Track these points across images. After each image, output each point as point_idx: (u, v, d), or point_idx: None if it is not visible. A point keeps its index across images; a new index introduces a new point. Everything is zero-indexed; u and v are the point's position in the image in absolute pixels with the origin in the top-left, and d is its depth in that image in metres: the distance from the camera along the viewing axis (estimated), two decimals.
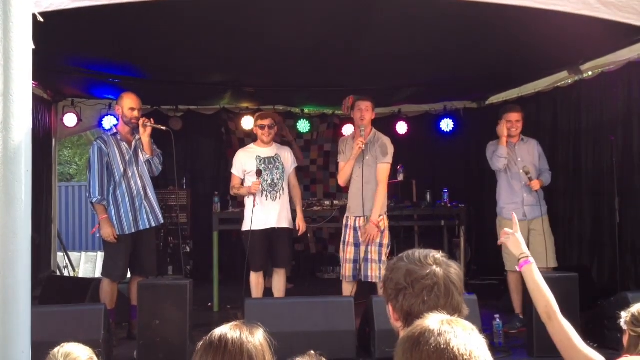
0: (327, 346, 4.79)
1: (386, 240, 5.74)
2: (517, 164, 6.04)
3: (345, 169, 5.82)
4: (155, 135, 5.92)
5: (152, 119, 5.77)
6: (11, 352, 1.79)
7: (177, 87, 7.88)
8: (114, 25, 4.98)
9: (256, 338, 1.85)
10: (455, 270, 1.96)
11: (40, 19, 2.54)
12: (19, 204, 1.83)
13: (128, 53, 6.10)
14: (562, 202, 7.18)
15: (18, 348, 1.81)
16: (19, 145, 1.82)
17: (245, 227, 5.94)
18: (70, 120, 8.27)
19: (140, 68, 6.93)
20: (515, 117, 6.07)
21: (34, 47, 1.90)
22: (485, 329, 5.12)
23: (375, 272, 5.64)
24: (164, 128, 5.81)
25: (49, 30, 2.86)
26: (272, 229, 5.90)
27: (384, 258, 5.66)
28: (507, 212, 5.94)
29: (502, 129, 6.05)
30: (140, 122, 5.62)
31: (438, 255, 1.99)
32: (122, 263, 5.63)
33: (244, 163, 5.98)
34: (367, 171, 5.72)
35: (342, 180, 5.94)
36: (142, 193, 5.65)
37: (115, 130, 5.73)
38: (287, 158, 6.11)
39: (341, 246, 5.86)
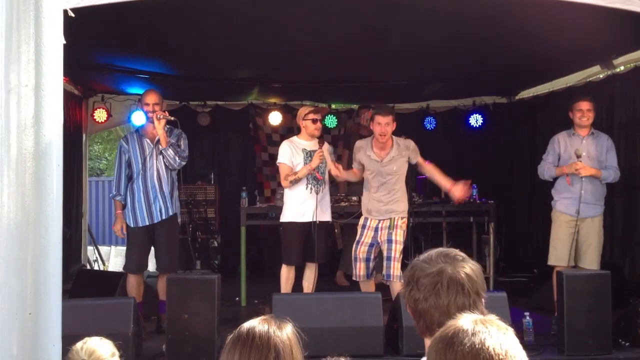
0: (354, 342, 4.84)
1: (404, 239, 5.77)
2: (582, 159, 5.64)
3: (350, 178, 6.19)
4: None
5: (166, 112, 5.83)
6: (43, 345, 1.81)
7: (205, 83, 7.92)
8: (143, 22, 5.02)
9: (284, 332, 1.85)
10: (467, 270, 1.91)
11: (72, 14, 2.56)
12: (50, 198, 1.85)
13: (157, 49, 6.14)
14: None
15: (49, 341, 1.83)
16: (50, 140, 1.83)
17: (284, 218, 5.94)
18: (100, 115, 8.37)
19: (168, 64, 6.98)
20: (586, 105, 5.70)
21: (64, 42, 1.91)
22: (515, 327, 5.06)
23: (397, 272, 5.59)
24: (172, 118, 5.83)
25: (79, 26, 2.89)
26: (312, 223, 5.84)
27: (400, 256, 5.67)
28: (562, 205, 5.78)
29: (568, 169, 5.65)
30: (155, 115, 5.70)
31: (454, 253, 1.95)
32: (136, 256, 5.74)
33: (292, 155, 5.94)
34: (398, 180, 5.78)
35: (339, 178, 6.24)
36: (157, 186, 5.73)
37: (139, 127, 5.94)
38: (329, 150, 6.17)
39: (354, 246, 5.82)
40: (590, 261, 5.69)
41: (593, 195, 5.70)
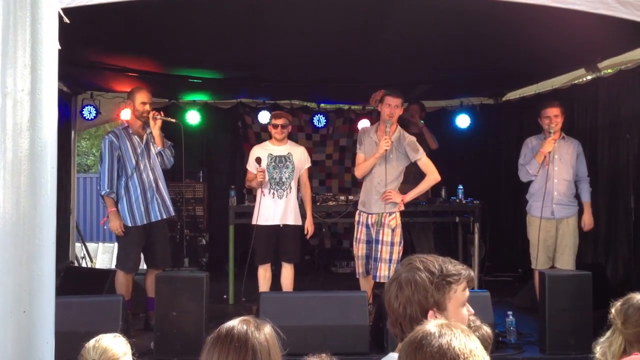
0: (340, 340, 4.90)
1: (397, 239, 5.72)
2: (554, 162, 5.84)
3: (366, 165, 5.78)
4: (169, 129, 6.01)
5: (162, 112, 5.90)
6: (37, 343, 1.85)
7: (194, 81, 7.94)
8: (133, 20, 5.04)
9: (262, 334, 1.89)
10: (416, 275, 2.01)
11: (67, 20, 2.60)
12: (44, 199, 1.89)
13: (146, 47, 6.17)
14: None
15: (43, 338, 1.87)
16: (45, 143, 1.87)
17: (254, 221, 6.06)
18: (89, 112, 8.38)
19: (157, 62, 7.00)
20: (553, 112, 5.82)
21: (60, 47, 1.96)
22: (498, 326, 5.15)
23: (384, 272, 5.60)
24: (173, 120, 5.93)
25: (69, 24, 2.92)
26: (277, 226, 5.98)
27: (394, 257, 5.64)
28: (535, 210, 5.91)
29: (547, 146, 5.75)
30: (151, 115, 5.73)
31: (417, 259, 2.05)
32: (134, 255, 5.75)
33: (259, 159, 6.04)
34: (390, 170, 5.70)
35: (359, 173, 5.92)
36: (154, 185, 5.73)
37: (126, 124, 5.81)
38: (300, 157, 6.14)
39: (354, 243, 5.92)
40: (567, 262, 5.82)
41: (565, 196, 5.85)
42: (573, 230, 5.87)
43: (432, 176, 5.80)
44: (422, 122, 7.88)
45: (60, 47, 1.96)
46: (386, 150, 5.61)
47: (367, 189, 5.83)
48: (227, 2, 4.80)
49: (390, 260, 5.63)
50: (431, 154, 8.12)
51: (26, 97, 1.84)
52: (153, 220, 5.73)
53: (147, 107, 5.76)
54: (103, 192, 5.66)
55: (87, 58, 6.72)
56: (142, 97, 5.76)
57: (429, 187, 6.00)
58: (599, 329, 4.96)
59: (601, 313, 5.18)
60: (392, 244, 5.67)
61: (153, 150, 5.81)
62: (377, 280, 5.69)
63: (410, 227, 7.52)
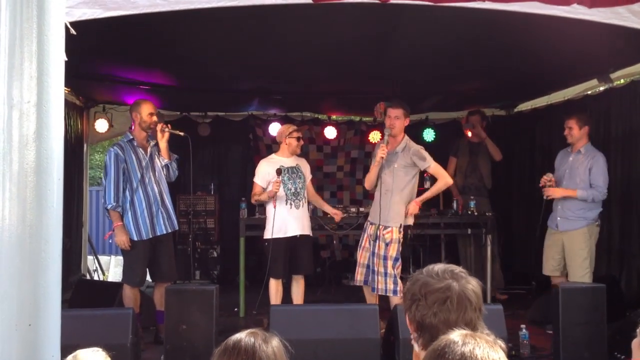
0: (351, 354, 4.86)
1: (392, 253, 5.69)
2: (564, 176, 5.96)
3: (370, 174, 5.94)
4: (177, 141, 6.01)
5: (169, 125, 5.86)
6: (42, 356, 1.83)
7: (205, 94, 7.97)
8: (144, 34, 5.07)
9: (269, 346, 1.87)
10: (472, 286, 1.97)
11: (73, 31, 2.61)
12: (50, 211, 1.88)
13: (158, 61, 6.20)
14: None
15: (49, 352, 1.85)
16: (51, 155, 1.87)
17: (268, 234, 6.00)
18: (101, 125, 8.42)
19: (169, 75, 7.03)
20: (567, 124, 5.96)
21: (66, 59, 1.95)
22: (511, 339, 5.09)
23: (381, 285, 5.69)
24: (181, 134, 5.84)
25: (81, 38, 2.93)
26: (295, 237, 5.98)
27: (389, 270, 5.66)
28: (549, 220, 6.12)
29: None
30: (159, 127, 5.67)
31: (457, 270, 2.00)
32: (140, 270, 5.67)
33: (269, 173, 6.02)
34: (395, 179, 5.75)
35: (367, 184, 6.05)
36: (159, 199, 5.66)
37: (131, 137, 5.71)
38: (307, 169, 6.23)
39: (358, 249, 6.01)
40: (573, 274, 5.84)
41: (571, 211, 5.88)
42: (580, 242, 5.86)
43: (444, 180, 5.88)
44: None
45: (67, 59, 1.96)
46: (382, 157, 5.67)
47: (375, 199, 5.94)
48: (238, 15, 4.80)
49: (386, 274, 5.67)
50: (444, 165, 8.12)
51: (32, 109, 1.84)
52: (158, 234, 5.66)
53: (155, 118, 5.70)
54: (109, 206, 5.52)
55: (99, 71, 6.77)
56: (149, 108, 5.70)
57: (440, 191, 6.10)
58: (613, 342, 4.94)
59: (616, 325, 5.17)
60: (385, 258, 5.70)
61: (158, 163, 5.73)
62: (375, 292, 5.75)
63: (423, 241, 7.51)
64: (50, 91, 1.88)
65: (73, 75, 6.37)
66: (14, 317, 1.80)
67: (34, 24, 1.86)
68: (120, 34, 4.96)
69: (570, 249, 5.89)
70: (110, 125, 8.45)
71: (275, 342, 1.90)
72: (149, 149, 5.71)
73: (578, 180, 5.88)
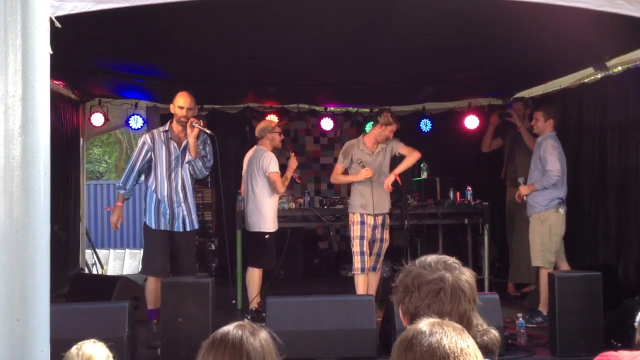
0: (347, 344, 4.87)
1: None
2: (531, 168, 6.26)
3: (342, 180, 6.47)
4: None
5: (201, 121, 5.77)
6: (31, 351, 1.83)
7: (201, 87, 7.93)
8: (138, 27, 5.04)
9: (257, 339, 1.86)
10: (466, 277, 1.96)
11: (58, 24, 2.59)
12: (37, 206, 1.88)
13: (152, 54, 6.17)
14: (587, 200, 7.11)
15: (38, 347, 1.85)
16: (37, 149, 1.86)
17: (271, 228, 6.45)
18: (97, 119, 8.42)
19: (164, 68, 7.00)
20: (535, 115, 6.26)
21: (51, 52, 1.94)
22: (507, 328, 5.10)
23: (380, 265, 6.39)
24: (208, 132, 5.73)
25: (74, 31, 2.92)
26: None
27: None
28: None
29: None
30: (189, 122, 5.58)
31: (450, 260, 1.99)
32: (160, 258, 5.58)
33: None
34: (381, 175, 6.19)
35: (334, 181, 6.60)
36: (182, 195, 5.59)
37: (167, 127, 5.68)
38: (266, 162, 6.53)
39: (358, 241, 6.14)
40: (532, 260, 6.08)
41: (529, 198, 6.13)
42: (532, 229, 6.06)
43: (415, 153, 6.27)
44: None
45: (52, 52, 1.95)
46: (366, 177, 6.08)
47: (363, 192, 6.24)
48: (233, 8, 4.78)
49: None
50: (438, 157, 8.10)
51: (18, 103, 1.83)
52: (176, 230, 5.60)
53: (184, 111, 5.56)
54: (118, 185, 5.74)
55: (93, 65, 6.74)
56: (179, 101, 5.59)
57: (414, 163, 6.42)
58: (610, 330, 4.95)
59: (612, 314, 5.17)
60: (382, 241, 6.27)
61: (187, 159, 5.65)
62: (375, 271, 6.29)
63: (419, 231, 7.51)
64: (36, 85, 1.87)
65: (67, 69, 6.35)
66: (1, 313, 1.80)
67: (18, 17, 1.85)
68: (112, 27, 4.93)
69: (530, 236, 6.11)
70: (106, 119, 8.45)
71: (263, 335, 1.89)
72: (183, 143, 5.63)
73: (534, 170, 6.12)
